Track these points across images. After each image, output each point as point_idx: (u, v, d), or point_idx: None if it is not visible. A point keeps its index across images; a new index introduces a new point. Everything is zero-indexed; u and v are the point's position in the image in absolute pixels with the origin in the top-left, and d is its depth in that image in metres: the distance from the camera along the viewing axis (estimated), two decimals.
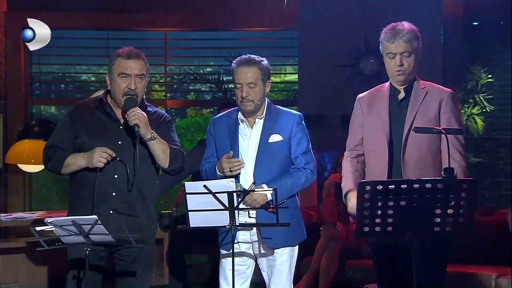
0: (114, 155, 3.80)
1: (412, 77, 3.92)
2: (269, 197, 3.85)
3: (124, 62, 3.87)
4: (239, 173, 3.92)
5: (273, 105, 4.10)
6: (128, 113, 3.79)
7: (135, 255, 3.88)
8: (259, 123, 4.02)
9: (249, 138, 4.00)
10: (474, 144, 7.72)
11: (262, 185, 3.87)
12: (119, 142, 3.87)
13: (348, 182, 3.90)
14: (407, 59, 3.85)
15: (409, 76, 3.89)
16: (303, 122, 4.08)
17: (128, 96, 3.85)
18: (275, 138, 3.99)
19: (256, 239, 3.97)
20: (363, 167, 3.95)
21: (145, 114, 3.82)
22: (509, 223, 6.23)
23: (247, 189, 3.81)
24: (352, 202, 3.78)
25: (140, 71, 3.89)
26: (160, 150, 3.87)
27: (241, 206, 3.74)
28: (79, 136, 3.89)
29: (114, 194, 3.84)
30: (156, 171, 4.01)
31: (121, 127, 3.90)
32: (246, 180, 3.94)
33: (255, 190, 3.79)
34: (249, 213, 3.92)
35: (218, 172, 3.95)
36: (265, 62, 4.03)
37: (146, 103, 4.02)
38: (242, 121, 4.03)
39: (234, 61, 4.05)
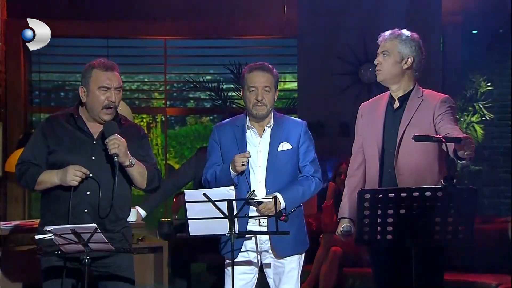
0: (88, 173, 3.70)
1: (408, 86, 3.87)
2: (283, 206, 3.85)
3: (103, 75, 3.74)
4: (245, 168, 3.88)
5: (277, 113, 4.10)
6: (107, 141, 3.69)
7: (114, 264, 3.80)
8: (268, 131, 4.00)
9: (258, 146, 3.99)
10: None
11: (275, 193, 3.86)
12: (93, 158, 3.76)
13: (343, 209, 3.98)
14: (386, 59, 3.84)
15: (402, 83, 3.86)
16: (309, 130, 4.09)
17: (107, 122, 3.75)
18: (284, 146, 3.98)
19: (266, 248, 3.97)
20: (362, 186, 3.94)
21: (125, 141, 3.71)
22: (509, 231, 6.22)
23: (257, 197, 3.82)
24: (339, 228, 3.94)
25: (118, 83, 3.78)
26: (139, 174, 3.80)
27: (255, 214, 3.82)
28: (53, 152, 3.78)
29: (86, 211, 3.74)
30: (128, 181, 3.87)
31: (94, 142, 3.79)
32: (258, 189, 3.92)
33: (254, 199, 3.79)
34: (259, 222, 3.91)
35: (231, 171, 3.89)
36: (276, 71, 4.03)
37: (120, 116, 3.90)
38: (249, 128, 4.00)
39: (245, 67, 4.04)
